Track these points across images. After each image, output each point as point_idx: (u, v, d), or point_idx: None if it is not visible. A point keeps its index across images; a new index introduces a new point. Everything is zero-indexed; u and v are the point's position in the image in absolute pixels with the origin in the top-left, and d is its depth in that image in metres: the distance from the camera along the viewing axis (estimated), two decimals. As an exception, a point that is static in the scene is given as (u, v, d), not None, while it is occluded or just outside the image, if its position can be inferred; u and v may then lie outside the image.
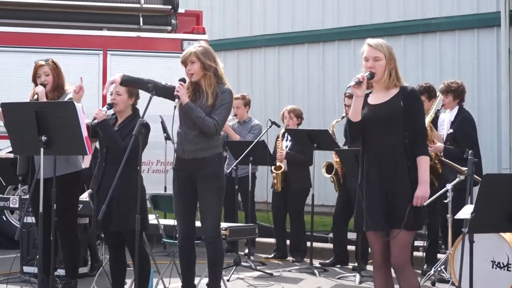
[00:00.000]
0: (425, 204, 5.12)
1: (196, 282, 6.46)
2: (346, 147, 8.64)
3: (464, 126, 8.06)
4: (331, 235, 9.49)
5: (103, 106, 7.61)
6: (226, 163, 9.43)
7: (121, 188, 5.91)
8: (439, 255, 8.21)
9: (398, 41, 11.93)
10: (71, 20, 10.24)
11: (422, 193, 5.01)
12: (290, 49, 13.86)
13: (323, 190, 11.86)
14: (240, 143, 9.19)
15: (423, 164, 5.06)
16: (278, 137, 9.42)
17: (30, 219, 7.39)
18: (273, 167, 9.19)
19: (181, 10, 10.70)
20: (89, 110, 6.93)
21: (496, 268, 6.67)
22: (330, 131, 8.75)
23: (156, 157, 9.31)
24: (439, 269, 7.62)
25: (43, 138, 5.67)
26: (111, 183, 5.68)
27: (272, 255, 9.43)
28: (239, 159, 8.76)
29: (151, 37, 10.32)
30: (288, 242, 9.44)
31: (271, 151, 9.30)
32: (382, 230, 5.09)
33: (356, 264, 8.38)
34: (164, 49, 10.22)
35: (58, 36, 9.92)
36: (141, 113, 6.02)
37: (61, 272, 6.91)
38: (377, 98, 5.16)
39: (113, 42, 10.12)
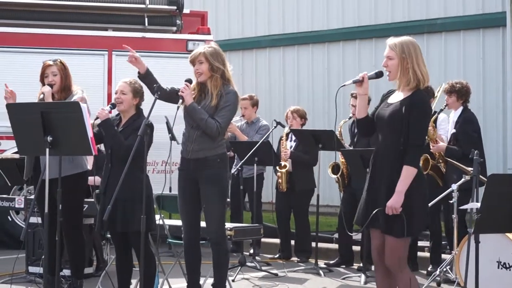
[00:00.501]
0: (429, 205, 5.11)
1: (201, 282, 6.46)
2: (351, 148, 8.64)
3: (466, 127, 8.06)
4: (336, 235, 9.48)
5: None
6: (234, 163, 9.46)
7: (128, 188, 5.91)
8: (444, 256, 8.20)
9: (403, 42, 11.90)
10: (76, 21, 10.26)
11: (392, 204, 4.91)
12: (295, 49, 13.86)
13: (328, 191, 11.86)
14: (246, 143, 9.19)
15: (405, 173, 4.92)
16: (282, 137, 9.41)
17: (36, 220, 7.40)
18: (278, 166, 9.18)
19: (186, 10, 10.71)
20: (94, 111, 6.93)
21: (501, 268, 6.66)
22: (337, 132, 8.74)
23: (161, 158, 9.31)
24: (444, 269, 7.61)
25: (49, 138, 5.68)
26: (117, 183, 5.69)
27: (277, 255, 9.42)
28: (244, 159, 8.75)
29: (156, 37, 10.33)
30: (292, 242, 9.44)
31: (276, 151, 9.30)
32: (377, 229, 5.08)
33: (361, 265, 8.37)
34: (169, 49, 10.23)
35: (63, 36, 9.94)
36: (145, 114, 6.03)
37: (66, 272, 6.91)
38: (394, 97, 5.15)
39: (118, 42, 10.09)
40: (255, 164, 8.87)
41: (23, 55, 9.70)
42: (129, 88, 6.35)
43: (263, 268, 8.61)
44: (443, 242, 8.65)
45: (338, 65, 13.30)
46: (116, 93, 6.41)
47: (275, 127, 9.06)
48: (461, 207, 6.90)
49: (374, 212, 4.98)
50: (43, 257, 6.36)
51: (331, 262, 8.94)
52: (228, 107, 6.09)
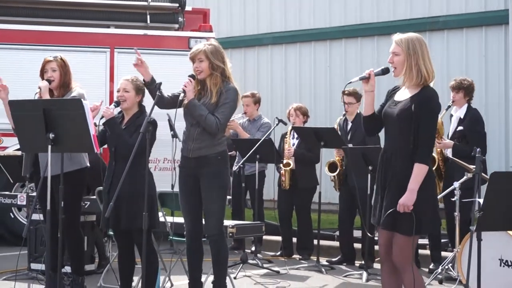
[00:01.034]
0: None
1: (202, 279, 6.46)
2: (351, 145, 8.64)
3: (475, 124, 8.06)
4: (337, 233, 9.49)
5: (110, 103, 7.64)
6: (235, 161, 9.46)
7: (131, 186, 5.92)
8: (446, 253, 8.20)
9: (405, 39, 11.90)
10: (78, 18, 10.27)
11: (404, 201, 4.89)
12: (297, 47, 13.86)
13: (330, 188, 11.81)
14: (247, 141, 9.19)
15: (417, 171, 4.91)
16: (285, 135, 9.41)
17: (38, 216, 7.40)
18: (282, 164, 9.18)
19: (188, 8, 10.71)
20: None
21: (504, 266, 6.66)
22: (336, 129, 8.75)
23: (163, 155, 9.32)
24: (446, 267, 7.61)
25: (51, 135, 5.68)
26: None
27: (279, 252, 9.43)
28: (246, 156, 8.76)
29: (158, 34, 10.33)
30: (294, 240, 9.44)
31: (278, 149, 9.30)
32: (384, 228, 5.07)
33: (363, 262, 8.38)
34: (171, 46, 10.23)
35: (65, 33, 9.95)
36: (148, 111, 6.03)
37: (68, 269, 6.92)
38: (401, 94, 5.11)
39: (120, 39, 10.13)
40: (256, 162, 8.87)
41: (25, 52, 9.71)
42: (132, 86, 6.36)
43: (265, 265, 8.61)
44: (444, 240, 8.65)
45: (340, 63, 13.30)
46: (118, 91, 6.41)
47: (276, 124, 9.06)
48: (464, 200, 6.90)
49: (388, 212, 4.94)
50: (45, 254, 6.36)
51: (333, 259, 8.95)
52: (228, 104, 6.09)
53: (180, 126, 6.33)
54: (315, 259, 8.67)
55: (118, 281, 6.48)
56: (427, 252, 8.59)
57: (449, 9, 12.29)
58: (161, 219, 6.95)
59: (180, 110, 6.13)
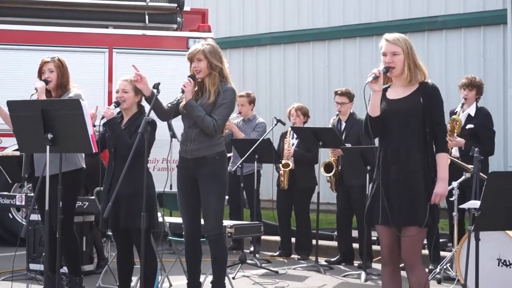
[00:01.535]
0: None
1: (201, 280, 6.46)
2: (349, 145, 8.64)
3: (487, 122, 8.05)
4: (336, 233, 9.49)
5: (109, 103, 7.66)
6: (230, 161, 9.45)
7: (130, 186, 5.92)
8: (445, 253, 8.20)
9: (404, 39, 11.90)
10: (76, 18, 10.26)
11: (442, 190, 4.98)
12: (296, 47, 13.86)
13: (328, 188, 11.84)
14: (246, 141, 9.19)
15: (443, 161, 5.03)
16: (285, 135, 9.41)
17: (36, 217, 7.40)
18: (281, 164, 9.19)
19: (186, 8, 10.71)
20: (93, 108, 6.92)
21: (502, 266, 6.66)
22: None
23: (162, 155, 9.30)
24: (444, 267, 7.61)
25: (49, 136, 5.68)
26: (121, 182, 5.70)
27: (278, 252, 9.43)
28: (244, 157, 8.76)
29: (156, 35, 10.33)
30: (293, 240, 9.45)
31: (276, 149, 9.30)
32: (396, 226, 5.05)
33: (361, 262, 8.38)
34: (169, 47, 10.23)
35: (64, 34, 9.95)
36: (146, 111, 6.04)
37: (66, 269, 6.92)
38: (396, 93, 5.12)
39: (119, 40, 10.13)
40: (255, 162, 8.87)
41: (23, 52, 9.70)
42: (130, 86, 6.35)
43: (264, 265, 8.62)
44: (443, 240, 8.65)
45: (338, 63, 13.30)
46: (117, 92, 6.40)
47: (275, 124, 9.06)
48: (460, 206, 6.89)
49: (425, 208, 4.94)
50: (43, 254, 6.36)
51: (332, 259, 8.95)
52: (225, 105, 6.08)
53: (179, 126, 6.33)
54: (314, 259, 8.67)
55: (117, 282, 6.48)
56: (425, 252, 8.59)
57: (448, 9, 12.30)
58: (160, 219, 6.95)
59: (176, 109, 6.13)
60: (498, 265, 6.67)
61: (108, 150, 6.45)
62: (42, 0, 10.14)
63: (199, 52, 6.09)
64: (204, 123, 6.01)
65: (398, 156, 5.05)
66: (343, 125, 8.91)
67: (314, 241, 8.87)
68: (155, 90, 5.96)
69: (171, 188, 8.91)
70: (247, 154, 8.73)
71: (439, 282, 7.56)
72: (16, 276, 7.49)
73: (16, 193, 8.71)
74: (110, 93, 9.77)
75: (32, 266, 7.73)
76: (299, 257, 9.24)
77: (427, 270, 8.02)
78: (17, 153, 8.17)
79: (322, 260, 8.82)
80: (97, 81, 9.88)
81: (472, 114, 8.07)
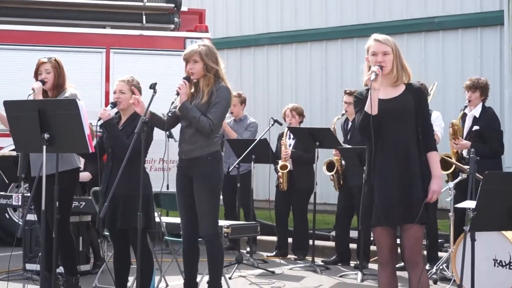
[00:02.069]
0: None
1: (198, 280, 6.47)
2: (347, 145, 8.65)
3: (493, 123, 8.03)
4: (333, 233, 9.50)
5: (106, 104, 7.66)
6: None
7: (127, 186, 5.92)
8: (441, 253, 8.21)
9: (401, 40, 11.91)
10: (74, 18, 10.26)
11: (439, 188, 5.05)
12: (293, 47, 13.86)
13: (326, 189, 11.86)
14: (242, 141, 9.20)
15: (435, 159, 5.12)
16: (282, 136, 9.42)
17: (33, 217, 7.40)
18: (279, 166, 9.19)
19: (184, 8, 10.71)
20: (92, 108, 6.94)
21: (498, 266, 6.67)
22: (331, 129, 8.76)
23: (159, 155, 9.30)
24: (441, 267, 7.62)
25: (46, 135, 5.69)
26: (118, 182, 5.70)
27: (274, 253, 9.44)
28: (241, 157, 8.76)
29: (154, 35, 10.33)
30: (290, 240, 9.45)
31: (274, 149, 9.31)
32: (397, 225, 5.09)
33: (358, 262, 8.39)
34: (167, 47, 10.24)
35: (61, 34, 9.94)
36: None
37: (63, 269, 6.92)
38: (385, 93, 5.14)
39: (116, 40, 10.13)
40: (252, 162, 8.89)
41: (21, 52, 9.70)
42: (127, 87, 6.35)
43: (260, 265, 8.62)
44: (440, 240, 8.66)
45: (336, 63, 13.30)
46: (114, 93, 6.41)
47: (272, 125, 9.06)
48: (456, 205, 6.90)
49: (423, 207, 4.99)
50: (40, 254, 6.36)
51: (328, 259, 8.96)
52: (219, 104, 6.08)
53: (176, 126, 6.33)
54: (310, 259, 8.68)
55: (114, 282, 6.48)
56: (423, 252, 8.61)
57: (445, 10, 12.30)
58: (156, 219, 6.95)
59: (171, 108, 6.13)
60: (494, 265, 6.68)
61: (105, 151, 6.45)
62: (39, 0, 10.14)
63: (195, 54, 6.09)
64: (200, 124, 6.02)
65: (396, 156, 5.06)
66: (350, 124, 8.92)
67: (310, 241, 8.88)
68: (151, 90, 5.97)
69: (168, 188, 8.95)
70: (244, 154, 8.73)
71: (435, 282, 7.57)
72: (13, 276, 7.48)
73: (12, 193, 8.70)
74: (107, 93, 9.77)
75: (29, 266, 7.73)
76: (296, 257, 9.24)
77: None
78: (14, 153, 8.17)
79: (318, 260, 8.83)
80: (94, 81, 9.88)
81: (477, 116, 8.03)
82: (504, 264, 6.65)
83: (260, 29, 14.24)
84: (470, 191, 5.79)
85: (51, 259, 6.10)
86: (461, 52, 12.09)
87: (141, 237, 5.73)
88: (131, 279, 6.63)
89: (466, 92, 8.09)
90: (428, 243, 8.35)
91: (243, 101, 9.87)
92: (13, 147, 8.35)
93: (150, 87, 6.00)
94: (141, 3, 10.39)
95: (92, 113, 6.35)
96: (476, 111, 8.03)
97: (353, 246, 8.96)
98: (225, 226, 7.20)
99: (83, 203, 7.65)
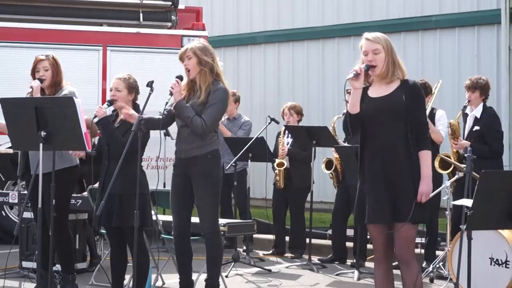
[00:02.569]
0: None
1: (195, 278, 6.47)
2: (345, 144, 8.65)
3: (493, 123, 8.01)
4: (329, 231, 9.50)
5: (102, 101, 7.65)
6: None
7: (123, 184, 5.92)
8: (439, 252, 8.21)
9: (398, 38, 11.92)
10: (71, 16, 10.24)
11: (426, 189, 5.00)
12: (290, 46, 13.87)
13: (322, 187, 11.88)
14: (239, 139, 9.20)
15: (425, 158, 5.04)
16: (279, 134, 9.42)
17: (29, 215, 7.39)
18: (275, 164, 9.20)
19: (181, 6, 10.70)
20: (89, 106, 6.95)
21: (494, 265, 6.68)
22: (330, 128, 8.76)
23: (155, 153, 9.27)
24: (437, 266, 7.63)
25: (43, 133, 5.68)
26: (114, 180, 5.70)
27: (271, 251, 9.44)
28: (238, 155, 8.76)
29: (151, 33, 10.32)
30: (287, 238, 9.45)
31: (271, 147, 9.31)
32: (387, 223, 5.08)
33: (354, 261, 8.39)
34: (164, 45, 10.23)
35: (57, 31, 9.93)
36: (141, 109, 6.04)
37: (59, 267, 6.91)
38: (378, 91, 5.14)
39: (113, 38, 10.12)
40: (249, 160, 8.89)
41: (17, 50, 9.68)
42: (124, 85, 6.34)
43: (257, 264, 8.62)
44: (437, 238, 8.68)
45: (333, 62, 13.31)
46: (111, 91, 6.41)
47: (269, 123, 9.06)
48: (453, 202, 6.91)
49: (414, 207, 4.96)
50: (36, 252, 6.35)
51: (325, 258, 8.96)
52: (215, 105, 6.09)
53: (173, 124, 6.33)
54: (307, 258, 8.68)
55: (110, 280, 6.48)
56: (418, 250, 8.60)
57: (442, 9, 12.32)
58: (153, 217, 6.95)
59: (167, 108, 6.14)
60: (491, 264, 6.69)
61: (102, 148, 6.45)
62: (36, -3, 10.14)
63: (188, 50, 6.12)
64: (193, 123, 6.02)
65: (383, 154, 5.07)
66: None
67: (307, 240, 8.88)
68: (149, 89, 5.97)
69: (164, 186, 8.94)
70: (241, 152, 8.73)
71: (431, 280, 7.58)
72: (9, 274, 7.48)
73: (9, 191, 8.69)
74: (104, 91, 9.76)
75: (25, 264, 7.72)
76: (293, 255, 9.25)
77: (419, 268, 8.08)
78: (10, 150, 8.16)
79: (315, 259, 8.83)
80: (91, 79, 9.87)
81: (478, 116, 8.00)
82: (500, 262, 6.66)
83: (257, 28, 14.24)
84: (467, 190, 5.78)
85: (47, 257, 6.09)
86: (458, 51, 12.10)
87: (137, 235, 5.73)
88: (127, 277, 6.62)
89: (466, 92, 8.07)
90: (427, 241, 8.37)
91: (237, 100, 9.87)
92: (9, 144, 8.36)
93: (147, 85, 6.01)
94: (138, 1, 10.38)
95: (89, 110, 6.35)
96: (477, 112, 8.00)
97: (349, 244, 8.96)
98: (222, 224, 7.20)
99: (80, 201, 7.65)
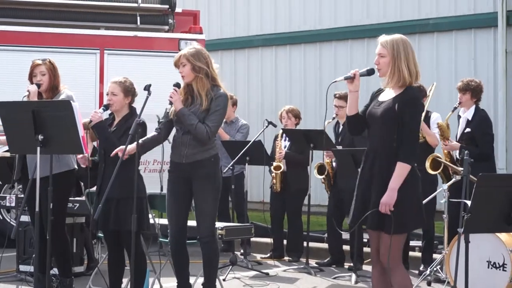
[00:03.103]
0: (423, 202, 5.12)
1: (192, 281, 6.46)
2: (341, 147, 8.65)
3: (483, 126, 8.01)
4: (327, 235, 9.50)
5: (100, 105, 7.65)
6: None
7: (120, 188, 5.92)
8: (436, 255, 8.22)
9: (395, 41, 11.91)
10: (68, 19, 10.24)
11: (387, 200, 4.91)
12: (287, 49, 13.87)
13: (320, 190, 11.85)
14: (236, 143, 9.21)
15: (398, 170, 4.94)
16: (277, 137, 9.42)
17: (27, 218, 7.38)
18: (272, 167, 9.20)
19: (178, 9, 10.70)
20: (86, 110, 6.92)
21: (491, 268, 6.69)
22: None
23: (153, 157, 9.31)
24: (435, 269, 7.62)
25: (40, 137, 5.68)
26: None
27: (268, 254, 9.43)
28: (235, 158, 8.76)
29: (148, 36, 10.32)
30: (284, 242, 9.45)
31: (269, 151, 9.31)
32: (372, 228, 5.09)
33: (352, 264, 8.39)
34: (161, 48, 10.22)
35: (55, 35, 9.92)
36: (137, 113, 6.04)
37: (57, 270, 6.91)
38: (385, 95, 5.15)
39: (110, 41, 10.12)
40: (246, 164, 8.89)
41: (14, 53, 9.67)
42: (119, 88, 6.34)
43: (254, 267, 8.62)
44: (434, 242, 8.67)
45: (330, 65, 13.32)
46: (107, 95, 6.40)
47: (266, 126, 9.06)
48: (452, 200, 6.92)
49: (369, 213, 4.96)
50: (33, 255, 6.34)
51: (322, 261, 8.96)
52: (219, 112, 6.10)
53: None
54: (305, 261, 8.68)
55: (107, 283, 6.47)
56: (417, 254, 8.61)
57: (439, 12, 12.33)
58: (151, 221, 6.95)
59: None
60: (488, 267, 6.70)
61: (99, 152, 6.45)
62: (33, 1, 10.11)
63: (181, 57, 6.12)
64: (197, 131, 6.02)
65: (370, 159, 5.10)
66: (341, 128, 8.93)
67: (304, 243, 8.88)
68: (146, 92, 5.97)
69: (162, 190, 8.92)
70: (238, 156, 8.73)
71: (429, 284, 7.58)
72: (6, 278, 7.48)
73: (6, 194, 8.68)
74: (101, 95, 9.76)
75: (22, 268, 7.71)
76: (290, 259, 9.24)
77: (417, 272, 8.09)
78: (8, 154, 8.15)
79: (313, 262, 8.83)
80: (88, 83, 9.86)
81: (470, 118, 8.03)
82: (497, 266, 6.66)
83: (254, 31, 14.24)
84: (464, 193, 5.79)
85: (44, 260, 6.08)
86: (455, 53, 12.11)
87: (134, 239, 5.73)
88: (125, 281, 6.61)
89: (458, 93, 8.11)
90: (423, 245, 8.38)
91: (234, 103, 9.88)
92: (6, 148, 8.35)
93: (144, 89, 6.01)
94: (135, 4, 10.37)
95: (87, 114, 6.35)
96: (469, 114, 8.03)
97: (346, 248, 8.96)
98: (220, 228, 7.20)
99: (77, 205, 7.64)
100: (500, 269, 6.65)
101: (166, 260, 7.30)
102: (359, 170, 5.24)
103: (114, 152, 5.98)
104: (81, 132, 5.75)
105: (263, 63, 14.11)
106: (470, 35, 12.00)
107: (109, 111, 6.44)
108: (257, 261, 9.15)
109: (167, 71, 9.16)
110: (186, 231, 6.25)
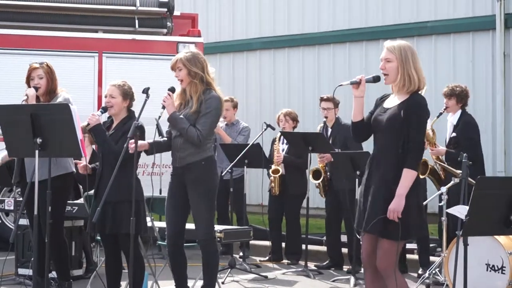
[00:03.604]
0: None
1: (191, 284, 6.46)
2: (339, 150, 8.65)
3: (467, 130, 8.05)
4: (325, 238, 9.50)
5: (98, 108, 7.63)
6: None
7: (117, 191, 5.91)
8: (435, 258, 8.22)
9: (394, 44, 11.92)
10: (66, 23, 10.24)
11: (394, 207, 4.89)
12: (286, 52, 13.87)
13: (318, 193, 11.85)
14: (235, 145, 9.21)
15: (406, 177, 4.92)
16: (275, 140, 9.42)
17: (25, 221, 7.38)
18: (271, 170, 9.20)
19: (176, 12, 10.70)
20: (84, 113, 6.91)
21: (490, 271, 6.69)
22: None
23: (151, 160, 9.28)
24: (433, 272, 7.62)
25: (38, 140, 5.68)
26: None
27: (267, 257, 9.43)
28: (234, 161, 8.76)
29: (146, 39, 10.32)
30: (283, 244, 9.45)
31: (267, 154, 9.32)
32: (373, 234, 5.07)
33: (350, 267, 8.39)
34: (159, 51, 10.23)
35: (53, 38, 9.92)
36: (136, 116, 6.04)
37: (55, 274, 6.90)
38: (390, 101, 5.12)
39: (109, 44, 10.12)
40: (245, 167, 8.89)
41: (13, 56, 9.68)
42: (118, 91, 6.34)
43: (253, 270, 8.61)
44: (432, 244, 8.67)
45: (328, 68, 13.31)
46: (105, 97, 6.40)
47: (265, 129, 9.07)
48: (447, 210, 6.92)
49: (378, 218, 4.93)
50: (32, 259, 6.34)
51: (321, 264, 8.96)
52: (209, 114, 6.09)
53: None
54: (303, 264, 8.68)
55: (105, 286, 6.47)
56: (415, 257, 8.61)
57: (437, 14, 12.33)
58: (149, 224, 6.95)
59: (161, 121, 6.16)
60: (487, 270, 6.70)
61: (97, 155, 6.45)
62: (31, 4, 10.11)
63: (178, 61, 6.13)
64: (188, 134, 6.03)
65: (373, 165, 5.10)
66: (329, 130, 8.94)
67: (303, 246, 8.88)
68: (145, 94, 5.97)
69: (160, 193, 8.92)
70: (237, 159, 8.73)
71: (428, 287, 7.57)
72: (5, 281, 7.46)
73: (5, 198, 8.67)
74: (99, 98, 9.76)
75: (21, 271, 7.70)
76: (289, 261, 9.24)
77: (416, 275, 8.09)
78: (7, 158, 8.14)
79: (311, 265, 8.83)
80: (86, 86, 9.87)
81: (455, 123, 8.12)
82: (496, 268, 6.67)
83: (252, 34, 14.23)
84: (463, 196, 5.80)
85: (43, 264, 6.08)
86: (453, 56, 12.11)
87: (132, 242, 5.72)
88: (123, 284, 6.61)
89: (444, 98, 8.18)
90: (419, 248, 8.38)
91: (235, 106, 9.89)
92: (4, 152, 8.34)
93: (143, 92, 6.02)
94: (133, 8, 10.38)
95: (85, 117, 6.34)
96: (455, 119, 8.13)
97: (345, 251, 8.96)
98: (218, 230, 7.20)
99: (76, 208, 7.64)
100: (499, 272, 6.65)
101: (164, 263, 7.29)
102: (364, 178, 5.19)
103: (130, 146, 5.93)
104: (80, 135, 5.74)
105: (261, 66, 14.11)
106: (468, 38, 12.00)
107: (107, 114, 6.44)
108: (256, 264, 9.14)
109: (165, 74, 9.17)
110: (184, 234, 6.25)
